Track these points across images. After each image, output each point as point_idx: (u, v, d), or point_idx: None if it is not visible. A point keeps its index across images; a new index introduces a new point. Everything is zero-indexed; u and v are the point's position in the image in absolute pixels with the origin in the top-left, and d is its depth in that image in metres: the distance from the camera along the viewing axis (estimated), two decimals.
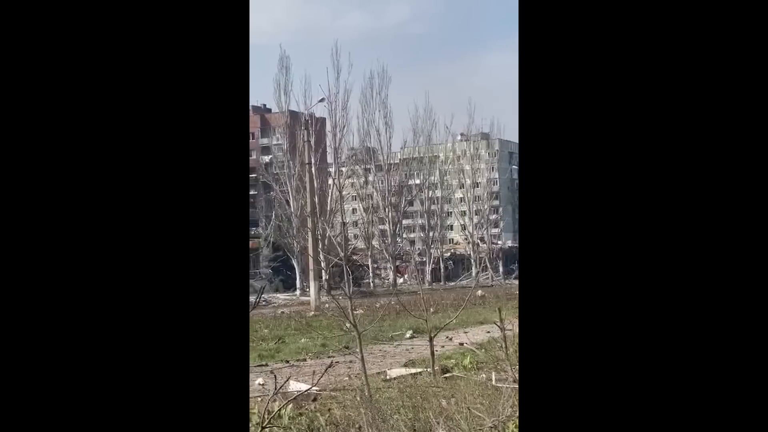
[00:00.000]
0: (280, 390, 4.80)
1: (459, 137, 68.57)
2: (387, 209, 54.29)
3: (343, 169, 49.91)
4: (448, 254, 65.04)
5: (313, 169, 36.85)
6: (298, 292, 43.06)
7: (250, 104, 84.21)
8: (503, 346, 7.98)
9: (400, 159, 58.30)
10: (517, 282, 5.93)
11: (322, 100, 46.31)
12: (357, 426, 5.59)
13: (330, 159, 50.04)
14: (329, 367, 4.61)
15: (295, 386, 8.05)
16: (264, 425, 3.46)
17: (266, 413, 3.88)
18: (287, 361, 13.72)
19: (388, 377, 9.90)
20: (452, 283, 52.43)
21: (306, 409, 7.30)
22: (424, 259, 58.95)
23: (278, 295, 39.76)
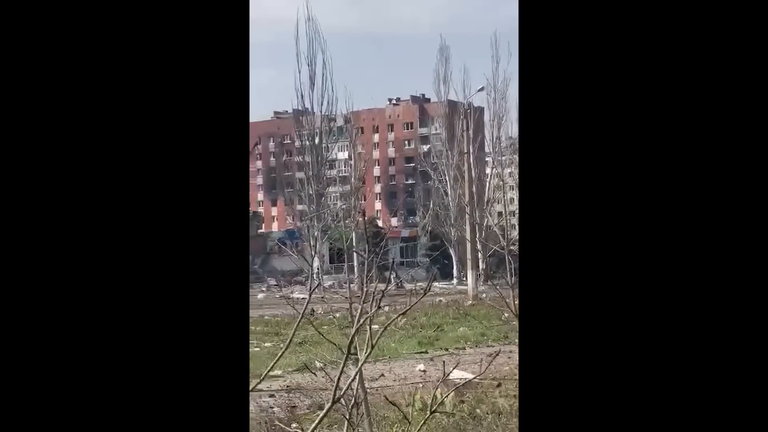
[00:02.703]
0: (442, 378, 4.88)
1: None
2: None
3: (502, 158, 49.49)
4: None
5: (471, 158, 36.78)
6: (455, 281, 43.21)
7: (409, 94, 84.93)
8: None
9: None
10: None
11: (481, 90, 46.07)
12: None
13: (488, 148, 49.76)
14: (495, 355, 4.63)
15: (456, 374, 8.11)
16: (432, 410, 3.55)
17: (433, 399, 3.98)
18: (446, 349, 13.83)
19: None
20: None
21: (468, 397, 7.36)
22: None
23: (436, 283, 40.06)
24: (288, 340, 3.01)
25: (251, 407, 7.83)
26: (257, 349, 15.54)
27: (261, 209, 79.52)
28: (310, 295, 3.24)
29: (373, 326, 3.20)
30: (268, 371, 3.05)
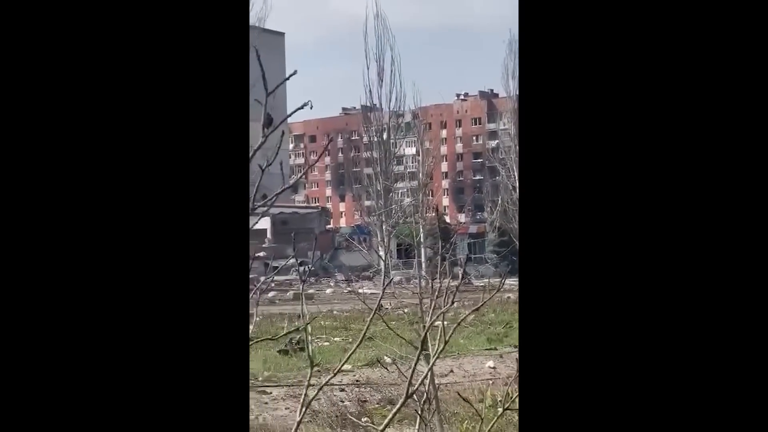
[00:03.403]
0: (515, 374, 4.86)
1: None
2: None
3: None
4: None
5: None
6: None
7: (477, 90, 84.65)
8: None
9: None
10: None
11: None
12: None
13: None
14: None
15: None
16: (505, 407, 3.53)
17: (506, 396, 3.96)
18: (515, 346, 13.75)
19: None
20: None
21: None
22: None
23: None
24: (361, 335, 3.04)
25: (323, 401, 7.92)
26: (327, 343, 15.71)
27: (329, 205, 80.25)
28: (383, 290, 3.26)
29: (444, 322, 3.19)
30: (341, 366, 3.08)
